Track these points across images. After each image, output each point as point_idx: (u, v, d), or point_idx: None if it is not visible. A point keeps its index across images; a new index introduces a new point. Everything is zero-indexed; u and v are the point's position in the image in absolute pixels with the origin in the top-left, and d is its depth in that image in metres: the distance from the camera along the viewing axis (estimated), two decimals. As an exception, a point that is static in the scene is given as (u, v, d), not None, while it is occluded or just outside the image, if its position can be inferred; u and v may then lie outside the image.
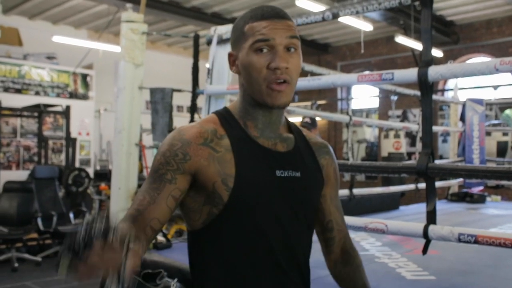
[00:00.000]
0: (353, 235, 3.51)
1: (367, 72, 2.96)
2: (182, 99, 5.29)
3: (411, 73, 2.38)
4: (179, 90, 4.15)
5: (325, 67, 4.59)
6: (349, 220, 2.58)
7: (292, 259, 1.26)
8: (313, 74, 3.94)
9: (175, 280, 1.28)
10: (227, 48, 3.43)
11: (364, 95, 11.89)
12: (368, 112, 12.23)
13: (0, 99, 7.38)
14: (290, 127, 1.37)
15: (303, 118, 5.20)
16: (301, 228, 1.28)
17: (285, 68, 1.19)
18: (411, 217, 4.71)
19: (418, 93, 3.64)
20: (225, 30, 3.69)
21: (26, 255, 6.64)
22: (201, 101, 3.98)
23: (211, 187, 1.21)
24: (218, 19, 9.37)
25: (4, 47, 8.50)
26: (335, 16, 2.84)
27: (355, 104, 12.29)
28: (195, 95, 3.90)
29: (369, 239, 3.47)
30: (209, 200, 1.22)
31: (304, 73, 4.16)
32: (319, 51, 11.99)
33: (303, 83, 2.97)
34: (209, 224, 1.23)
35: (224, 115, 1.30)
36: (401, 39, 8.67)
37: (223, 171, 1.21)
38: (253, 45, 1.21)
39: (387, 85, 4.90)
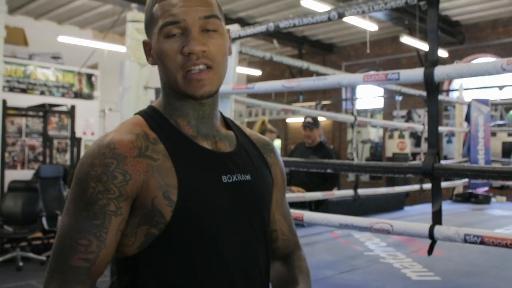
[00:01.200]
0: (357, 235, 3.52)
1: (372, 72, 2.95)
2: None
3: (417, 73, 2.37)
4: (184, 90, 4.15)
5: (330, 67, 4.59)
6: (354, 220, 2.58)
7: (251, 276, 1.09)
8: (318, 74, 3.93)
9: None
10: (232, 47, 3.43)
11: (369, 96, 11.87)
12: (372, 113, 12.21)
13: (6, 98, 7.38)
14: (228, 123, 1.19)
15: (305, 118, 5.19)
16: (258, 238, 1.12)
17: (202, 51, 1.00)
18: (416, 217, 4.69)
19: (423, 93, 3.62)
20: (231, 30, 3.69)
21: (31, 254, 6.67)
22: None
23: (150, 204, 0.99)
24: (223, 19, 9.37)
25: (9, 47, 8.51)
26: (341, 15, 2.83)
27: (359, 105, 12.28)
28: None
29: (374, 240, 3.46)
30: (146, 219, 1.00)
31: (309, 73, 4.17)
32: (324, 51, 11.99)
33: (308, 83, 2.96)
34: (148, 247, 1.01)
35: (150, 115, 1.09)
36: (406, 39, 8.65)
37: (164, 182, 0.99)
38: (162, 29, 1.02)
39: (392, 85, 4.89)
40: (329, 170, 3.04)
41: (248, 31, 3.22)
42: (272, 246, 1.24)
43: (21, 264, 6.32)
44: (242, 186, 1.08)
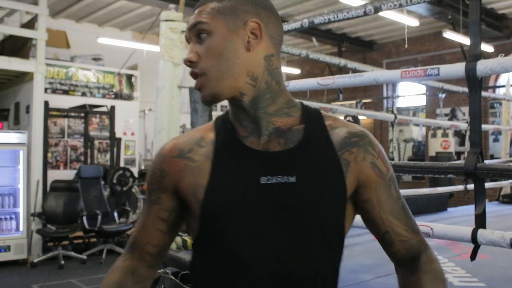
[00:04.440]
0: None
1: (411, 68, 2.83)
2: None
3: (458, 68, 2.25)
4: (218, 89, 4.11)
5: (370, 65, 4.46)
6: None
7: (289, 284, 1.01)
8: (357, 71, 3.82)
9: None
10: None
11: (411, 93, 11.60)
12: (415, 111, 11.93)
13: (48, 100, 7.55)
14: (305, 115, 1.11)
15: (345, 117, 5.08)
16: (302, 246, 1.02)
17: (189, 61, 1.06)
18: (459, 219, 4.52)
19: (466, 90, 3.48)
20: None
21: (72, 253, 6.81)
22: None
23: (186, 201, 1.07)
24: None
25: (52, 50, 8.72)
26: (377, 10, 2.72)
27: (401, 103, 12.01)
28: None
29: (414, 242, 3.33)
30: (191, 214, 1.08)
31: (346, 71, 4.06)
32: (364, 48, 11.78)
33: (344, 80, 2.87)
34: (195, 240, 1.08)
35: (222, 118, 1.14)
36: (449, 35, 8.39)
37: (195, 182, 1.05)
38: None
39: (434, 82, 4.72)
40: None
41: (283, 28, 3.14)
42: (391, 249, 1.13)
43: (62, 262, 6.46)
44: (282, 189, 1.02)
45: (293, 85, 3.13)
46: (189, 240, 3.62)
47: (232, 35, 1.05)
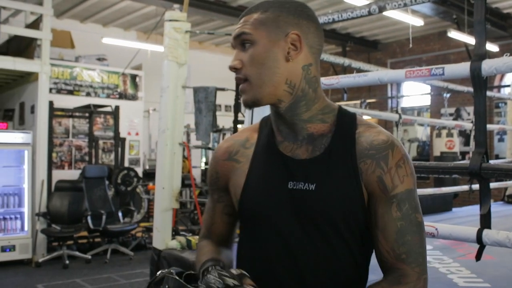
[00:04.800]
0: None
1: (415, 68, 2.82)
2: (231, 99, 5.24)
3: (463, 68, 2.24)
4: (222, 89, 4.11)
5: (375, 65, 4.44)
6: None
7: (303, 280, 1.11)
8: (360, 71, 3.81)
9: None
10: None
11: (415, 93, 11.57)
12: (419, 110, 11.89)
13: (53, 100, 7.57)
14: (338, 122, 1.16)
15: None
16: (316, 248, 1.10)
17: (234, 68, 1.15)
18: (464, 219, 4.50)
19: (471, 89, 3.46)
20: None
21: (77, 253, 6.83)
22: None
23: (233, 198, 1.23)
24: (265, 17, 9.32)
25: (56, 50, 8.72)
26: (382, 9, 2.71)
27: (406, 103, 11.98)
28: (239, 93, 3.83)
29: (419, 243, 3.32)
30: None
31: (350, 71, 4.04)
32: (368, 48, 11.76)
33: (348, 80, 2.86)
34: (239, 232, 1.25)
35: (266, 120, 1.25)
36: (454, 34, 8.36)
37: (237, 182, 1.19)
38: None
39: (438, 82, 4.70)
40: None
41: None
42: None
43: (67, 262, 6.47)
44: (304, 195, 1.11)
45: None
46: (193, 240, 3.63)
47: (273, 46, 1.12)
